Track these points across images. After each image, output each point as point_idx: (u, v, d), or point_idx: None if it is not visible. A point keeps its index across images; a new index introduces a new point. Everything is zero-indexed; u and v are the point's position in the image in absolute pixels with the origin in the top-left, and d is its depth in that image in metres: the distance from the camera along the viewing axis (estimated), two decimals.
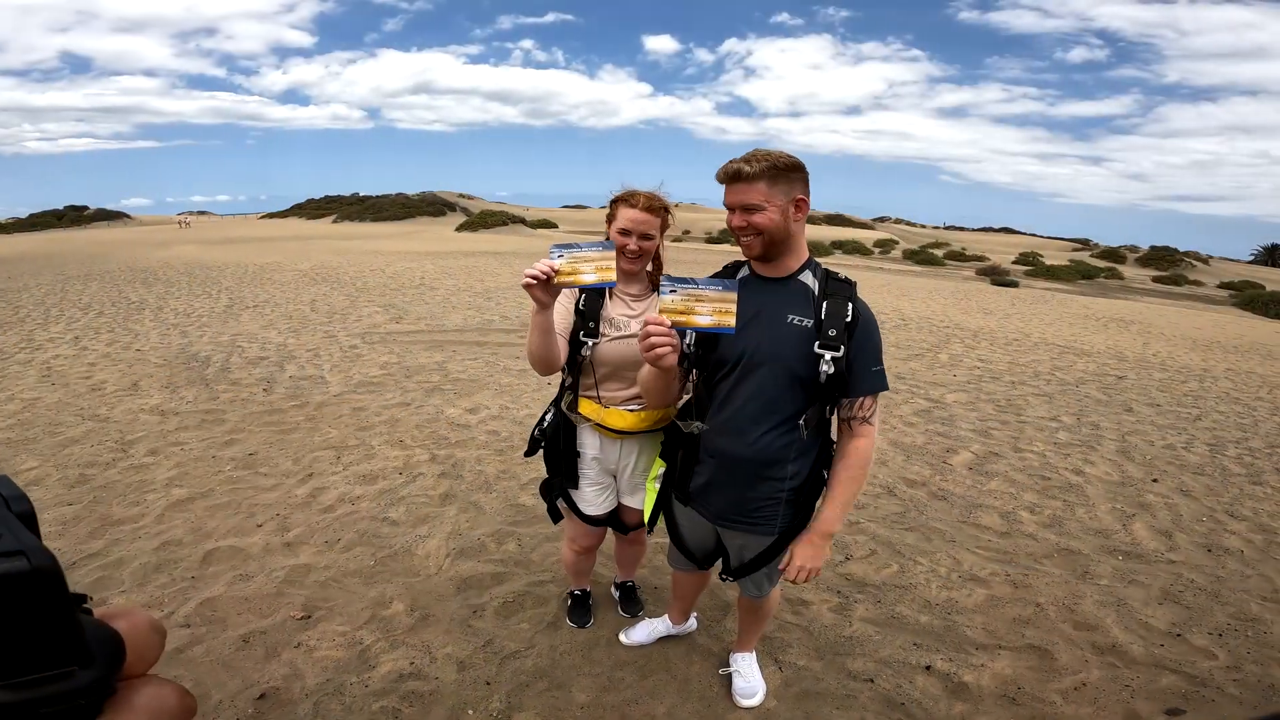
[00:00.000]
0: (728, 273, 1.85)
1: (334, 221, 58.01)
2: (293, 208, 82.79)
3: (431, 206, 61.99)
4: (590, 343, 2.01)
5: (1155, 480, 4.53)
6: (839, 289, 1.72)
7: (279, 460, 4.14)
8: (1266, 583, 3.25)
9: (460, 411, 5.15)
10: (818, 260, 1.80)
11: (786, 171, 1.63)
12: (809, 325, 1.69)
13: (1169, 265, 41.34)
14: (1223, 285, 33.20)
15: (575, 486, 2.22)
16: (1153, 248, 47.95)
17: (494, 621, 2.66)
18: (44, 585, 0.43)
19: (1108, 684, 2.46)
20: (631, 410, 2.06)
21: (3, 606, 0.41)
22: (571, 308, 2.03)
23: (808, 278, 1.75)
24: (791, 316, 1.71)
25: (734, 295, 1.53)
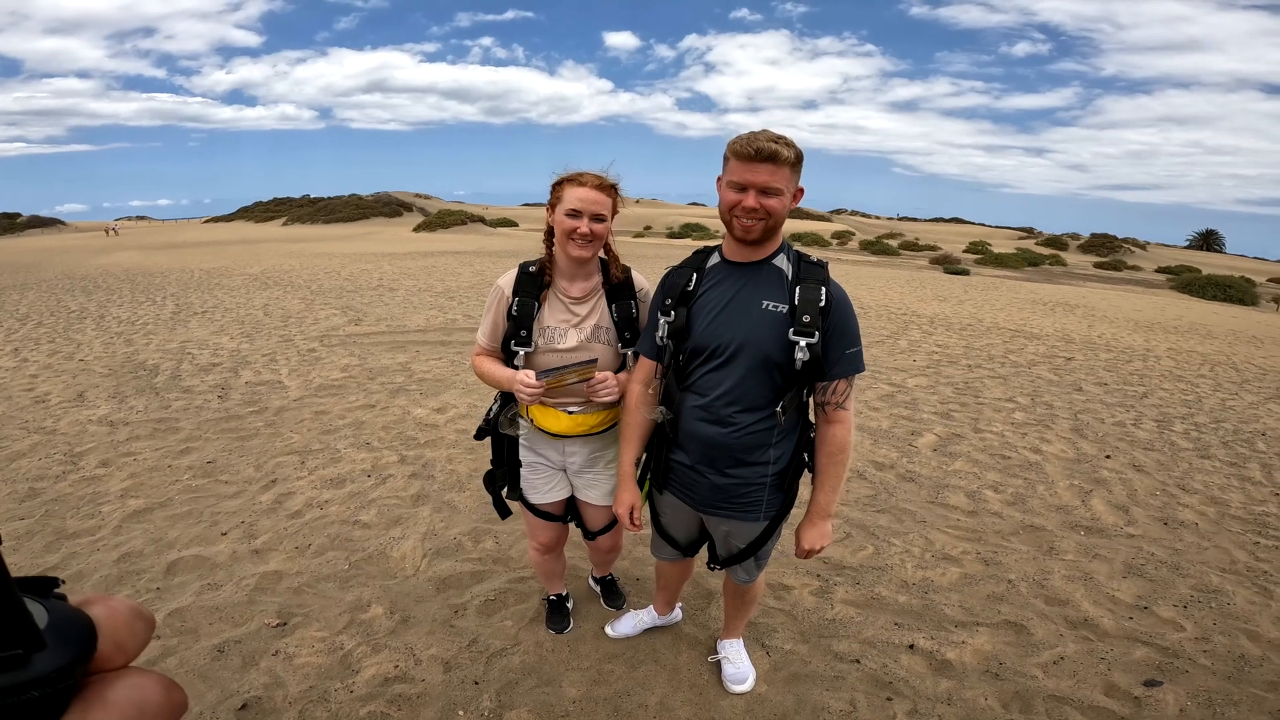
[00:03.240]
0: (697, 259, 1.82)
1: (284, 224, 56.47)
2: (239, 211, 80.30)
3: (387, 207, 60.77)
4: (521, 352, 1.94)
5: (1109, 456, 4.69)
6: (812, 272, 1.69)
7: (240, 467, 4.00)
8: (1223, 554, 3.38)
9: (428, 412, 5.06)
10: (789, 243, 1.78)
11: (801, 161, 1.63)
12: (783, 311, 1.66)
13: (1109, 251, 43.00)
14: (1160, 270, 34.63)
15: (515, 485, 2.19)
16: (1093, 235, 49.79)
17: (477, 620, 2.61)
18: None
19: (1084, 657, 2.53)
20: (570, 413, 1.98)
21: None
22: (504, 313, 1.95)
23: (781, 262, 1.72)
24: (766, 302, 1.68)
25: (590, 361, 1.90)
